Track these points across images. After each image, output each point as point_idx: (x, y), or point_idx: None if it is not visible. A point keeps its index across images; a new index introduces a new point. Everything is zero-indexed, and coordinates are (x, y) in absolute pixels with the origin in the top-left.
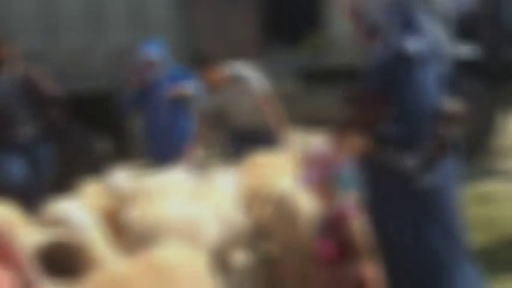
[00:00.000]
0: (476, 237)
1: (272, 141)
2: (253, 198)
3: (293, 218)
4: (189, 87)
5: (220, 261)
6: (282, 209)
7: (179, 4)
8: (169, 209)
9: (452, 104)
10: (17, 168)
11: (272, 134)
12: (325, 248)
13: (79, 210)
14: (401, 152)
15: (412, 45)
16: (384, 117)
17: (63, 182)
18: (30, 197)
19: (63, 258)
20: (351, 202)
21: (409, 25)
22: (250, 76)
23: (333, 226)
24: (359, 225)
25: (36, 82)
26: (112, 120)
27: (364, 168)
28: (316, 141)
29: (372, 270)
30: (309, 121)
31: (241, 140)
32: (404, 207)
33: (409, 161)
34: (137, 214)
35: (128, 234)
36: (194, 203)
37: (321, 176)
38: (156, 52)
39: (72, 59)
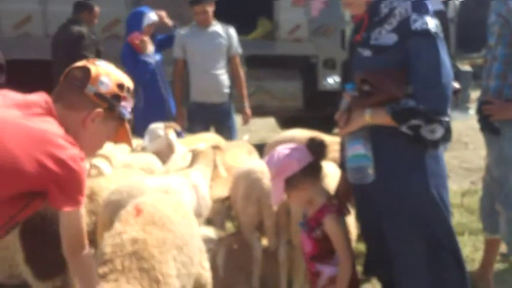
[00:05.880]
0: None
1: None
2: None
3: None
4: None
5: None
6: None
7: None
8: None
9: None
10: None
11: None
12: (307, 244)
13: None
14: (427, 124)
15: (432, 23)
16: (401, 94)
17: None
18: None
19: None
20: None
21: (422, 6)
22: None
23: (311, 225)
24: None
25: None
26: None
27: (382, 141)
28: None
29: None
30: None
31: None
32: (424, 172)
33: (434, 133)
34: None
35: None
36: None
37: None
38: None
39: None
